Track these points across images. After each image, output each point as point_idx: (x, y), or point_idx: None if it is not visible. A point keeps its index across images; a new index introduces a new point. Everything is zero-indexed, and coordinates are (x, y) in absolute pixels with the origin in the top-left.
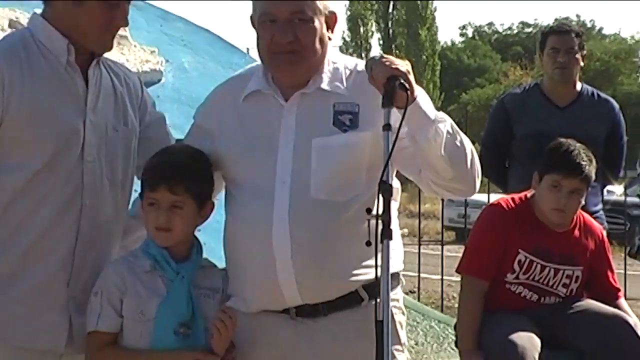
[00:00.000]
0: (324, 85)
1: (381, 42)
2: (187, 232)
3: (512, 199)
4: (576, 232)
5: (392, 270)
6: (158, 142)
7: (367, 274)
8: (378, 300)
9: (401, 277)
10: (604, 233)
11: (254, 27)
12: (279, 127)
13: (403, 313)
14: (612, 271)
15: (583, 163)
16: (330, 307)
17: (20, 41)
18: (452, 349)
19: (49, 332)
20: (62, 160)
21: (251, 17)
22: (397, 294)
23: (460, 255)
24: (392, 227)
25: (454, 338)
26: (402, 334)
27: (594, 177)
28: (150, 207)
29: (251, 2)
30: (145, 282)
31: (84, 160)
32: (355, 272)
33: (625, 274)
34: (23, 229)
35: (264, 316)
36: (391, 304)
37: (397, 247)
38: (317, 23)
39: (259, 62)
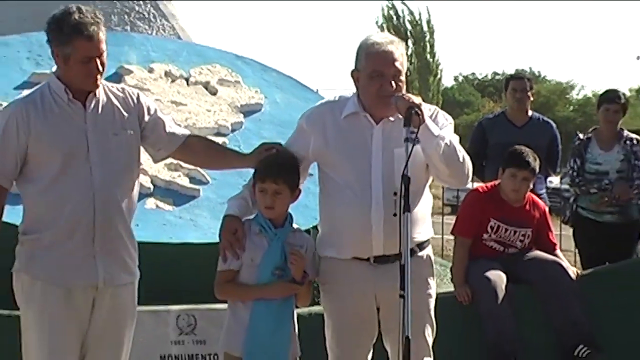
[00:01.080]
0: (398, 116)
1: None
2: (284, 209)
3: (486, 186)
4: (527, 207)
5: (427, 236)
6: (155, 136)
7: (417, 237)
8: (419, 252)
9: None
10: (546, 208)
11: (354, 77)
12: (371, 139)
13: (431, 258)
14: (551, 232)
15: (530, 160)
16: (396, 256)
17: (39, 93)
18: (449, 283)
19: (84, 275)
20: (71, 166)
21: (352, 72)
22: (428, 248)
23: (453, 222)
24: (418, 207)
25: (450, 276)
26: (433, 269)
27: (538, 170)
28: (260, 193)
29: (352, 58)
30: (255, 240)
31: (90, 161)
32: (412, 236)
33: (560, 234)
34: (56, 214)
35: (354, 262)
36: (427, 251)
37: (428, 222)
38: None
39: (326, 97)
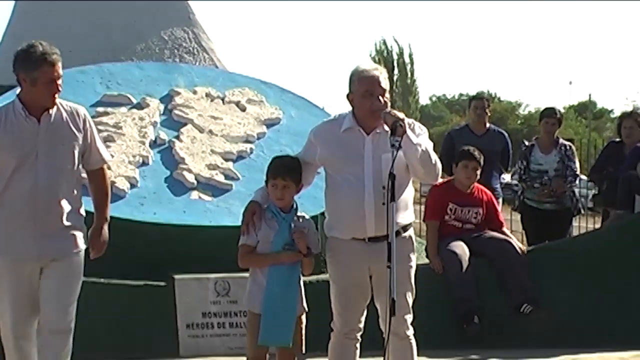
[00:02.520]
0: (385, 129)
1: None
2: (291, 199)
3: (445, 180)
4: (475, 192)
5: (409, 220)
6: (89, 154)
7: (401, 221)
8: (403, 233)
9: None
10: (492, 194)
11: (349, 99)
12: (363, 147)
13: (412, 237)
14: (498, 213)
15: (476, 154)
16: (385, 237)
17: (5, 109)
18: (422, 256)
19: (26, 249)
20: (23, 167)
21: (348, 95)
22: (410, 230)
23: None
24: (402, 198)
25: (425, 253)
26: (414, 246)
27: (482, 163)
28: (272, 187)
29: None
30: (269, 223)
31: (38, 164)
32: (397, 220)
33: (511, 219)
34: (10, 201)
35: (352, 241)
36: (409, 232)
37: (410, 210)
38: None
39: (332, 114)
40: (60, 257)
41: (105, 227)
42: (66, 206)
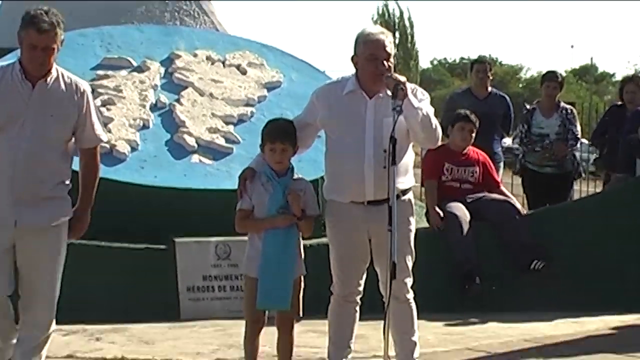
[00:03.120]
0: (387, 93)
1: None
2: (288, 162)
3: (442, 144)
4: (470, 153)
5: (409, 184)
6: (82, 131)
7: (401, 185)
8: (402, 197)
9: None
10: (486, 156)
11: (353, 61)
12: (365, 111)
13: (412, 201)
14: (493, 172)
15: (472, 117)
16: (385, 200)
17: (4, 69)
18: (422, 219)
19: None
20: (8, 127)
21: (352, 57)
22: (410, 194)
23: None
24: (402, 162)
25: (422, 213)
26: (413, 210)
27: (477, 126)
28: (270, 152)
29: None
30: (265, 187)
31: (24, 129)
32: (397, 184)
33: (512, 182)
34: None
35: (351, 205)
36: (409, 196)
37: (410, 174)
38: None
39: (332, 77)
40: (38, 228)
41: (89, 210)
42: (47, 176)
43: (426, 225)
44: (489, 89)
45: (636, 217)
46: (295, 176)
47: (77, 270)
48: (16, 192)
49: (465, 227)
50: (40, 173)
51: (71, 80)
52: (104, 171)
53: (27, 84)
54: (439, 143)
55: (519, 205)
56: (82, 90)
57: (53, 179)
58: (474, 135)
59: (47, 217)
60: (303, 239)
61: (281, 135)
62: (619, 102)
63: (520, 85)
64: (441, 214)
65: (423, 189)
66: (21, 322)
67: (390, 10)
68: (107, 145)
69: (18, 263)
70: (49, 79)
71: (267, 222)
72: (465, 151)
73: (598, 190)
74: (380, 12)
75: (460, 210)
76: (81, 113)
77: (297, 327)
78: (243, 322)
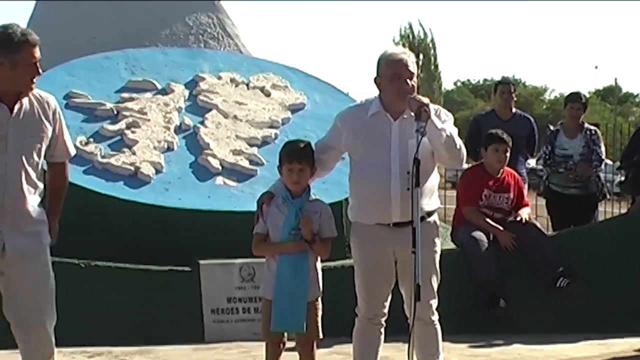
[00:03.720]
0: (411, 114)
1: None
2: (306, 183)
3: (473, 166)
4: (506, 176)
5: (434, 206)
6: (54, 146)
7: (426, 207)
8: (428, 219)
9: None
10: (518, 176)
11: (377, 83)
12: (390, 133)
13: (437, 223)
14: (523, 194)
15: (505, 137)
16: (410, 222)
17: None
18: (447, 241)
19: None
20: None
21: (375, 79)
22: (435, 215)
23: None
24: (427, 184)
25: (447, 235)
26: (438, 231)
27: (511, 145)
28: (288, 172)
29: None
30: (281, 209)
31: (8, 152)
32: (422, 206)
33: (536, 204)
34: None
35: (377, 226)
36: (434, 217)
37: (435, 195)
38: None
39: (357, 99)
40: (28, 254)
41: (57, 223)
42: (32, 199)
43: (451, 246)
44: (513, 110)
45: None
46: (312, 197)
47: (102, 292)
48: (6, 220)
49: (484, 248)
50: (27, 198)
51: (40, 97)
52: (129, 194)
53: (4, 107)
54: (464, 164)
55: (540, 227)
56: (53, 106)
57: (37, 202)
58: (508, 155)
59: (37, 240)
60: (322, 260)
61: (298, 155)
62: None
63: (545, 107)
64: (500, 227)
65: (450, 211)
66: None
67: (415, 32)
68: (132, 168)
69: (7, 293)
70: (24, 99)
71: (278, 247)
72: (501, 174)
73: (623, 211)
74: (403, 33)
75: (479, 233)
76: (55, 129)
77: (322, 350)
78: None
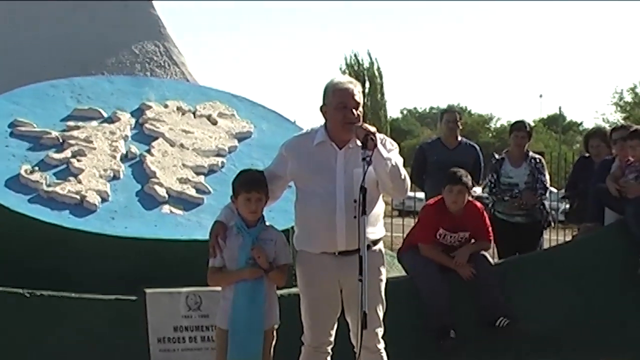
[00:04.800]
0: (357, 143)
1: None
2: (261, 212)
3: (434, 200)
4: (466, 213)
5: (380, 235)
6: None
7: (372, 235)
8: (373, 247)
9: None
10: (484, 212)
11: (322, 111)
12: (335, 161)
13: (382, 251)
14: (487, 227)
15: (462, 176)
16: (356, 250)
17: None
18: (395, 270)
19: None
20: None
21: (321, 107)
22: (381, 244)
23: (409, 231)
24: (373, 212)
25: (393, 263)
26: (384, 260)
27: (470, 184)
28: (247, 202)
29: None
30: (235, 239)
31: None
32: (367, 234)
33: None
34: None
35: (323, 255)
36: (379, 246)
37: (380, 224)
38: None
39: (304, 128)
40: None
41: None
42: None
43: (397, 274)
44: (459, 138)
45: (606, 266)
46: (266, 225)
47: (46, 322)
48: None
49: (437, 278)
50: None
51: None
52: (74, 222)
53: None
54: (407, 194)
55: (490, 259)
56: None
57: None
58: (466, 196)
59: None
60: (278, 288)
61: (256, 184)
62: (587, 154)
63: (490, 135)
64: (469, 270)
65: (396, 239)
66: None
67: (360, 60)
68: (78, 196)
69: None
70: None
71: (234, 275)
72: (462, 212)
73: (567, 239)
74: (349, 62)
75: (431, 264)
76: None
77: None
78: None
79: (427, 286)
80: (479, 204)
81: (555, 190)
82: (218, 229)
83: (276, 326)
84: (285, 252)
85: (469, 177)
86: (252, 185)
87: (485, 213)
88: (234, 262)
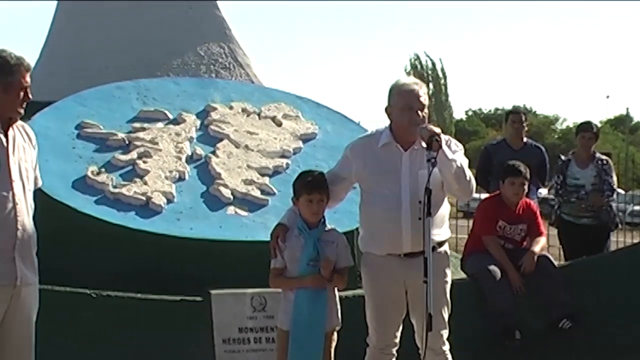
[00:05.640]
0: (422, 145)
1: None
2: (323, 213)
3: (491, 196)
4: (522, 207)
5: (445, 237)
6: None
7: (437, 237)
8: (438, 249)
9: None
10: (536, 207)
11: (387, 112)
12: (400, 163)
13: (447, 253)
14: (540, 224)
15: (522, 169)
16: (421, 252)
17: None
18: (458, 270)
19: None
20: None
21: (386, 108)
22: (446, 245)
23: (471, 227)
24: (438, 214)
25: (458, 264)
26: (449, 262)
27: (529, 177)
28: (309, 203)
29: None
30: (296, 240)
31: (12, 179)
32: (433, 236)
33: (548, 234)
34: None
35: (388, 257)
36: (445, 247)
37: (446, 225)
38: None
39: (368, 129)
40: (31, 284)
41: None
42: (33, 228)
43: (462, 276)
44: (525, 139)
45: None
46: (327, 227)
47: (112, 323)
48: (18, 249)
49: (498, 278)
50: (31, 226)
51: (23, 125)
52: (140, 224)
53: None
54: (473, 195)
55: (552, 259)
56: (32, 133)
57: (34, 231)
58: (525, 187)
59: (35, 271)
60: (340, 290)
61: (318, 186)
62: None
63: (556, 136)
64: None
65: (461, 241)
66: None
67: (423, 62)
68: (143, 198)
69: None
70: (14, 126)
71: (296, 282)
72: (518, 205)
73: (636, 240)
74: (413, 63)
75: (492, 266)
76: (36, 157)
77: None
78: None
79: (490, 286)
80: (533, 202)
81: (622, 192)
82: (277, 231)
83: (337, 328)
84: (347, 254)
85: (529, 171)
86: (313, 186)
87: (536, 206)
88: (295, 264)
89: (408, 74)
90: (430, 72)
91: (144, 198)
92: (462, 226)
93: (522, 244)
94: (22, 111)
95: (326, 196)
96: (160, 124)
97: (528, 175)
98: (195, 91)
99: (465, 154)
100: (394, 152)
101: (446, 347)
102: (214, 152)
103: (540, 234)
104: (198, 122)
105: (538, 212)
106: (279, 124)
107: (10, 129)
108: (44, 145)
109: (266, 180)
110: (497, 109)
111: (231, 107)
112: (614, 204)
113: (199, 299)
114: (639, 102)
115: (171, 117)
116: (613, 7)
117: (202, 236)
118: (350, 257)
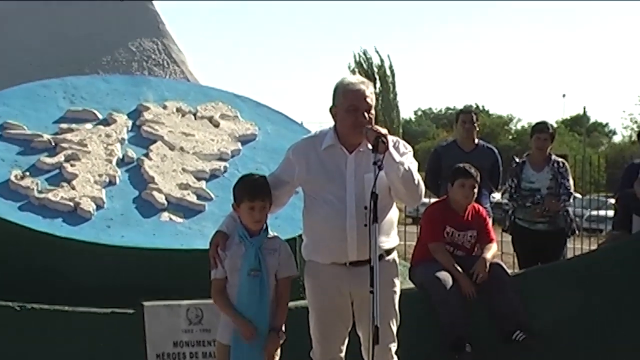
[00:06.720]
0: (368, 147)
1: None
2: (265, 220)
3: (438, 201)
4: (471, 212)
5: (393, 244)
6: None
7: (385, 244)
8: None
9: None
10: (484, 210)
11: (332, 113)
12: (345, 166)
13: (396, 261)
14: (489, 229)
15: (472, 171)
16: (368, 261)
17: None
18: (407, 280)
19: None
20: None
21: (331, 109)
22: (394, 253)
23: (417, 232)
24: (385, 220)
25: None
26: (398, 270)
27: (480, 180)
28: (250, 210)
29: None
30: (237, 248)
31: None
32: (380, 243)
33: (501, 240)
34: None
35: (333, 265)
36: (393, 256)
37: (394, 232)
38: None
39: (311, 130)
40: None
41: None
42: None
43: (411, 286)
44: (476, 140)
45: (633, 276)
46: (270, 235)
47: (37, 337)
48: None
49: (448, 287)
50: None
51: None
52: (68, 231)
53: None
54: (421, 201)
55: (505, 267)
56: None
57: None
58: (475, 191)
59: None
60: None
61: (261, 191)
62: (637, 160)
63: (510, 137)
64: (470, 285)
65: (410, 248)
66: None
67: (369, 58)
68: (71, 203)
69: None
70: None
71: (233, 318)
72: (466, 211)
73: (593, 247)
74: (357, 60)
75: (443, 272)
76: None
77: None
78: None
79: (439, 296)
80: (482, 207)
81: (579, 196)
82: (217, 238)
83: (281, 341)
84: (290, 263)
85: (479, 173)
86: (256, 192)
87: (485, 211)
88: (236, 273)
89: (352, 72)
90: (377, 69)
91: (71, 204)
92: (411, 233)
93: (472, 251)
94: None
95: (269, 202)
96: (89, 125)
97: (479, 178)
98: (127, 89)
99: (415, 156)
100: (338, 154)
101: None
102: (146, 155)
103: (490, 240)
104: (130, 123)
105: (488, 218)
106: (217, 125)
107: None
108: None
109: (203, 184)
110: (448, 109)
111: (165, 107)
112: (570, 209)
113: (130, 311)
114: (596, 101)
115: (101, 117)
116: (569, 5)
117: (135, 244)
118: (294, 267)
